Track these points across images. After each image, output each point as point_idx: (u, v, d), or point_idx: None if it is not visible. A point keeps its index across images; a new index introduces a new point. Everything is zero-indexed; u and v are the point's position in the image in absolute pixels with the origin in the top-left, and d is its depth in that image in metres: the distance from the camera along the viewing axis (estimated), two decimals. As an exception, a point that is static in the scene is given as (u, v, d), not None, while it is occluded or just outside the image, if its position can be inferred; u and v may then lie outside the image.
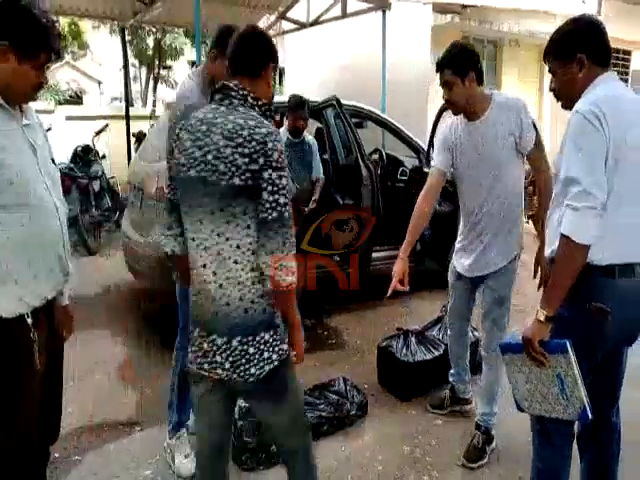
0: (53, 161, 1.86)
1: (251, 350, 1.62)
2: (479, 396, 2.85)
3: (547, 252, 1.84)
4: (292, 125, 4.17)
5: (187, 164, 1.61)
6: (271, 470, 2.58)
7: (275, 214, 1.54)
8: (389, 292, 2.48)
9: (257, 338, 1.62)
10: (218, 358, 1.64)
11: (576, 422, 1.92)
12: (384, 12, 8.12)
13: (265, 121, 1.61)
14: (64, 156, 6.96)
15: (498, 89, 11.18)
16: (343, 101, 4.39)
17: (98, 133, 7.16)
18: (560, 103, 1.93)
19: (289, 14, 9.57)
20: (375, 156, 5.34)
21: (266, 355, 1.63)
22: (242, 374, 1.63)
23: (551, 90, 1.95)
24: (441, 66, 2.52)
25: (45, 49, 1.66)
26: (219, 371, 1.65)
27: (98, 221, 6.68)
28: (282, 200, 1.56)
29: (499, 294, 2.63)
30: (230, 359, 1.63)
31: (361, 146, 4.43)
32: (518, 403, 1.95)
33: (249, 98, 1.64)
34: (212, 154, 1.56)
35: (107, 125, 7.22)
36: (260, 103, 1.67)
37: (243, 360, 1.62)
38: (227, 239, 1.59)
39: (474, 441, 2.72)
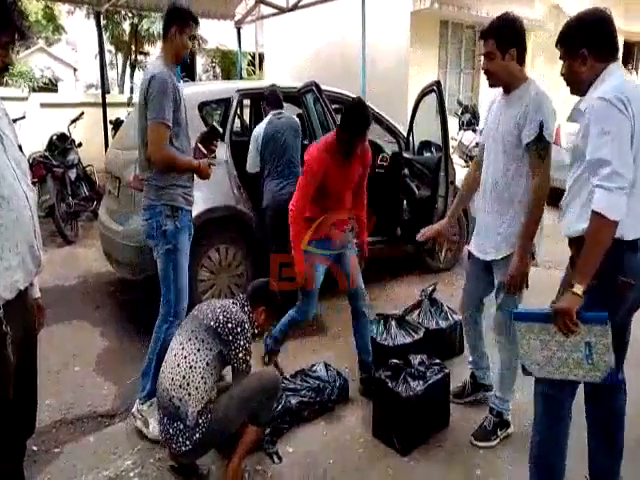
0: (20, 149, 1.80)
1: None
2: (494, 379, 2.86)
3: (571, 230, 1.97)
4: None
5: None
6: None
7: None
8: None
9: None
10: None
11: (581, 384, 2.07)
12: (363, -3, 8.04)
13: None
14: (39, 144, 6.81)
15: (477, 74, 11.21)
16: (322, 86, 4.35)
17: (74, 121, 7.01)
18: (569, 88, 2.04)
19: (268, -2, 9.45)
20: (355, 142, 5.30)
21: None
22: None
23: (561, 75, 2.05)
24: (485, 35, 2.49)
25: (8, 26, 1.59)
26: None
27: (75, 210, 6.55)
28: None
29: (500, 280, 2.61)
30: None
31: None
32: (526, 368, 2.07)
33: None
34: None
35: (82, 113, 7.06)
36: None
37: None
38: None
39: (485, 422, 2.75)
